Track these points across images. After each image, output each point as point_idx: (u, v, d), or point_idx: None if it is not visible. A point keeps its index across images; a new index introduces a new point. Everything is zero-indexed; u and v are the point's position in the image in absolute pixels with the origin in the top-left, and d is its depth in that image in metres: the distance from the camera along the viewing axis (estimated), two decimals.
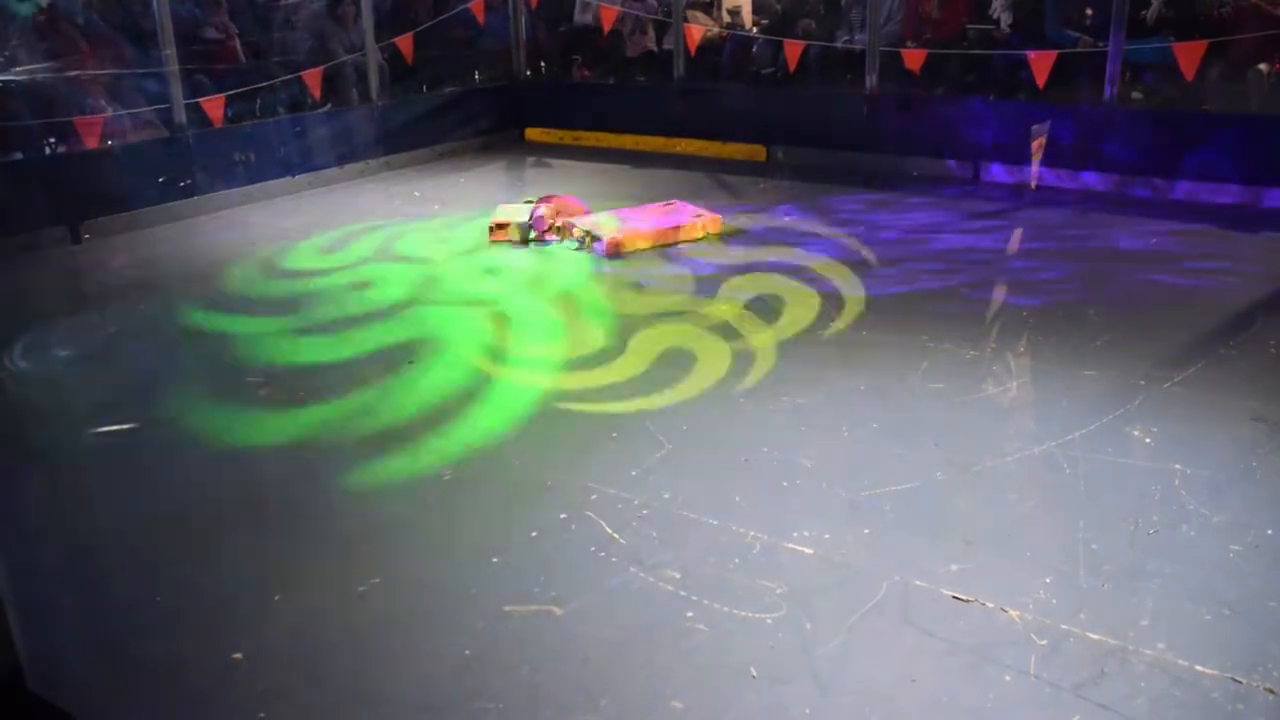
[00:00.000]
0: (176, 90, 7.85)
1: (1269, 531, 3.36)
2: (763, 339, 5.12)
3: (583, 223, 6.84)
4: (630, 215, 7.07)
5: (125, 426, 4.42)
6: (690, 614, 3.04)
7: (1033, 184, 7.53)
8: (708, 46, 10.06)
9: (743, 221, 7.34)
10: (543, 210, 7.01)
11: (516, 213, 7.04)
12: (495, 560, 3.34)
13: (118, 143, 7.76)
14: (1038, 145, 7.47)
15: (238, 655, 2.93)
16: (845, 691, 2.71)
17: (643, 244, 6.70)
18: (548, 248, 6.85)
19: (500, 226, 6.97)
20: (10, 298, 6.32)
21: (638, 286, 6.03)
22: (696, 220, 7.01)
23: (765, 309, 5.52)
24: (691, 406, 4.40)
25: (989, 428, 4.14)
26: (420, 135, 9.83)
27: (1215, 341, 4.93)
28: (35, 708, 1.76)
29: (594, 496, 3.70)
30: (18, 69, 7.54)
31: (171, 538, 3.57)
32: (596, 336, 5.25)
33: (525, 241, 6.90)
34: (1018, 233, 7.03)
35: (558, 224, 6.99)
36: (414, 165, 9.67)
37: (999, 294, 5.74)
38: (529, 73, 10.98)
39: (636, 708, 2.68)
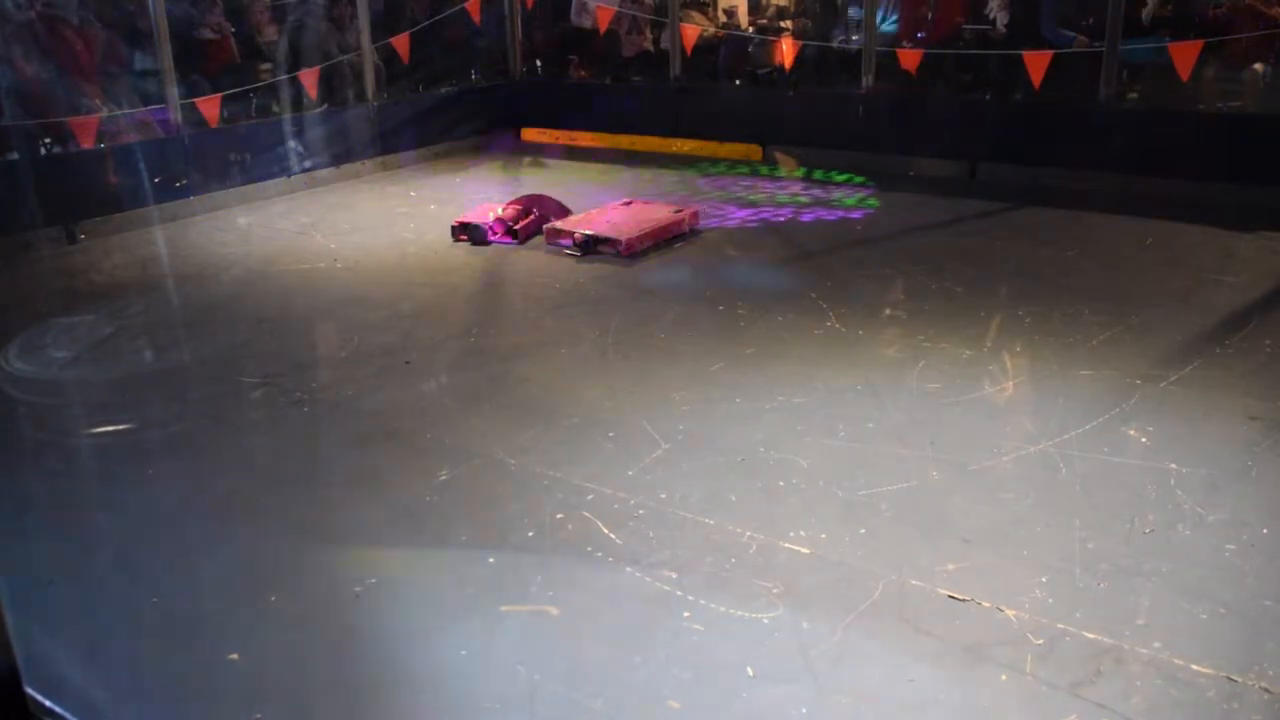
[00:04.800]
0: (172, 90, 7.83)
1: (1264, 530, 3.36)
2: None
3: (568, 226, 6.78)
4: (604, 216, 7.03)
5: (121, 427, 4.41)
6: (687, 613, 3.04)
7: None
8: (704, 46, 10.06)
9: None
10: (499, 211, 7.03)
11: (480, 215, 7.09)
12: (492, 560, 3.34)
13: (113, 143, 7.74)
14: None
15: (234, 655, 2.93)
16: (842, 691, 2.71)
17: (649, 242, 6.69)
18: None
19: (464, 226, 7.04)
20: (6, 298, 6.30)
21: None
22: (678, 215, 7.02)
23: None
24: (688, 405, 4.41)
25: (985, 427, 4.15)
26: (417, 135, 9.81)
27: (1211, 341, 4.94)
28: (32, 709, 1.75)
29: (590, 496, 3.70)
30: (13, 68, 7.53)
31: (168, 538, 3.57)
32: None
33: (480, 243, 6.92)
34: None
35: (518, 227, 6.96)
36: (410, 165, 9.66)
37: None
38: (524, 71, 10.97)
39: (633, 707, 2.68)
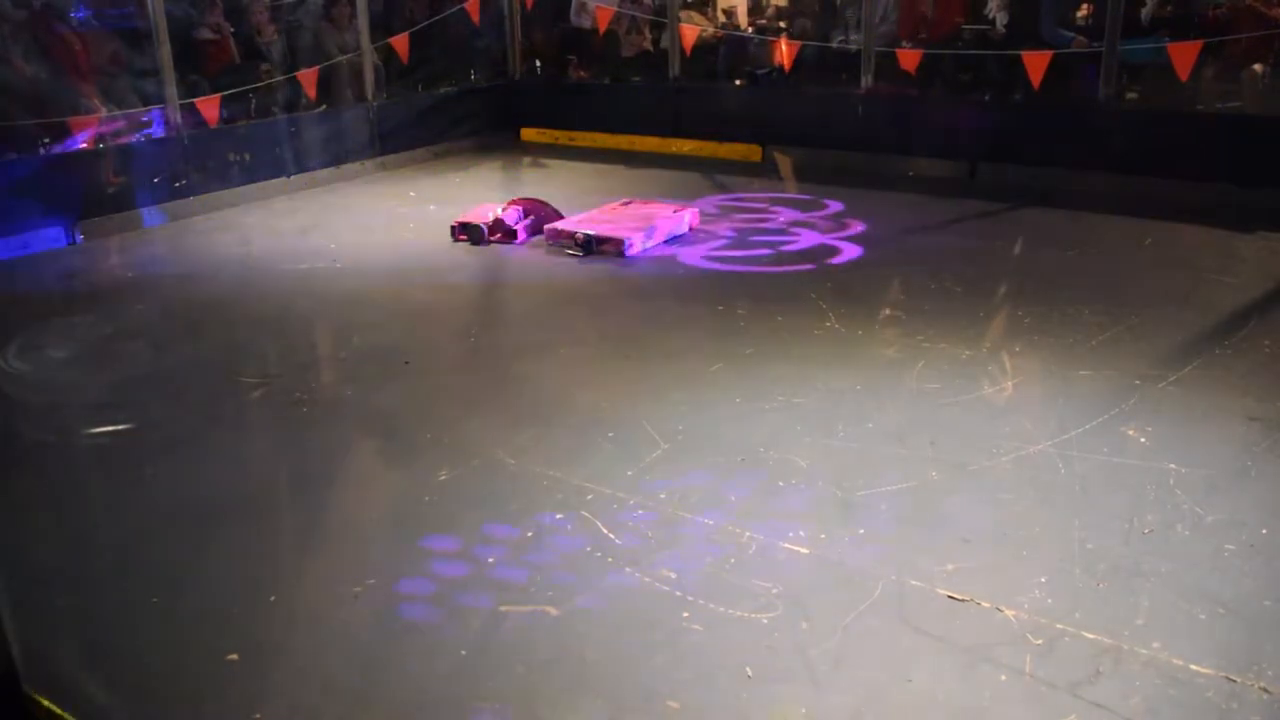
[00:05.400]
0: (171, 90, 7.84)
1: (1263, 530, 3.36)
2: None
3: (570, 226, 6.79)
4: (603, 216, 7.05)
5: (120, 427, 4.41)
6: (686, 614, 3.04)
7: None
8: (703, 46, 10.06)
9: None
10: (499, 211, 7.02)
11: (480, 215, 7.07)
12: (491, 560, 3.34)
13: (112, 143, 7.74)
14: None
15: (233, 655, 2.93)
16: (841, 691, 2.71)
17: (649, 242, 6.70)
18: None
19: (464, 227, 7.02)
20: (5, 298, 6.30)
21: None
22: (680, 215, 7.04)
23: None
24: (687, 405, 4.41)
25: (985, 427, 4.15)
26: (416, 135, 9.82)
27: (1210, 341, 4.94)
28: (31, 708, 1.75)
29: (590, 496, 3.69)
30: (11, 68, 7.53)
31: (167, 539, 3.57)
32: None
33: (479, 243, 6.92)
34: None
35: (517, 227, 6.93)
36: (409, 165, 9.66)
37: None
38: (524, 71, 10.97)
39: (633, 707, 2.68)
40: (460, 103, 10.40)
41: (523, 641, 2.94)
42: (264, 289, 6.19)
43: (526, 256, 6.72)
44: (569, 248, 6.65)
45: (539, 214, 7.14)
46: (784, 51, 9.57)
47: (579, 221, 6.89)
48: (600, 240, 6.59)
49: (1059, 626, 2.92)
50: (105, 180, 7.50)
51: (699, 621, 3.00)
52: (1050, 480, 3.73)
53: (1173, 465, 3.78)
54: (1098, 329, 5.11)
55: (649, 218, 6.95)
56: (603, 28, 10.46)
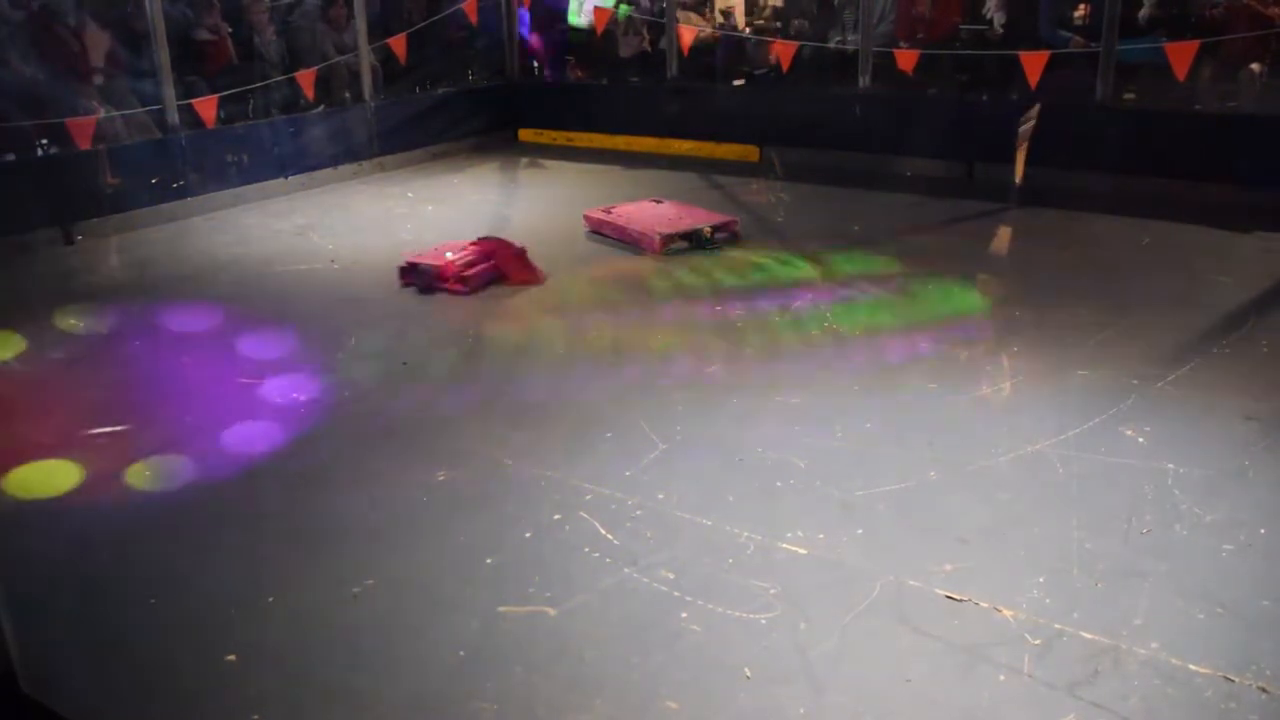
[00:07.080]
0: (169, 91, 7.83)
1: (1261, 530, 3.37)
2: None
3: (679, 227, 6.76)
4: (644, 213, 7.13)
5: (118, 428, 4.41)
6: (684, 614, 3.04)
7: (1017, 179, 7.51)
8: (701, 47, 10.05)
9: None
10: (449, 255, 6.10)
11: (435, 256, 6.06)
12: (489, 561, 3.34)
13: (110, 144, 7.73)
14: (1024, 136, 7.44)
15: (231, 657, 2.93)
16: (840, 691, 2.71)
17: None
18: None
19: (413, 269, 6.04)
20: (3, 300, 6.29)
21: None
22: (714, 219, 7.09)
23: None
24: (685, 405, 4.41)
25: (982, 427, 4.15)
26: (414, 136, 9.81)
27: (1208, 341, 4.94)
28: (29, 710, 1.75)
29: (588, 497, 3.69)
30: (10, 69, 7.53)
31: (166, 540, 3.57)
32: None
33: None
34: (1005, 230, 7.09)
35: (469, 274, 5.97)
36: (408, 166, 9.65)
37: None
38: (521, 71, 10.97)
39: (631, 708, 2.68)
40: (458, 103, 10.39)
41: (521, 642, 2.94)
42: (262, 290, 6.19)
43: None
44: (681, 249, 6.65)
45: (500, 257, 6.21)
46: (780, 51, 9.56)
47: (658, 222, 6.88)
48: (719, 227, 6.80)
49: (1057, 626, 2.92)
50: (103, 181, 7.49)
51: (697, 622, 3.00)
52: (1048, 480, 3.73)
53: (1171, 465, 3.79)
54: (1096, 329, 5.11)
55: (684, 215, 7.06)
56: (600, 28, 10.45)
